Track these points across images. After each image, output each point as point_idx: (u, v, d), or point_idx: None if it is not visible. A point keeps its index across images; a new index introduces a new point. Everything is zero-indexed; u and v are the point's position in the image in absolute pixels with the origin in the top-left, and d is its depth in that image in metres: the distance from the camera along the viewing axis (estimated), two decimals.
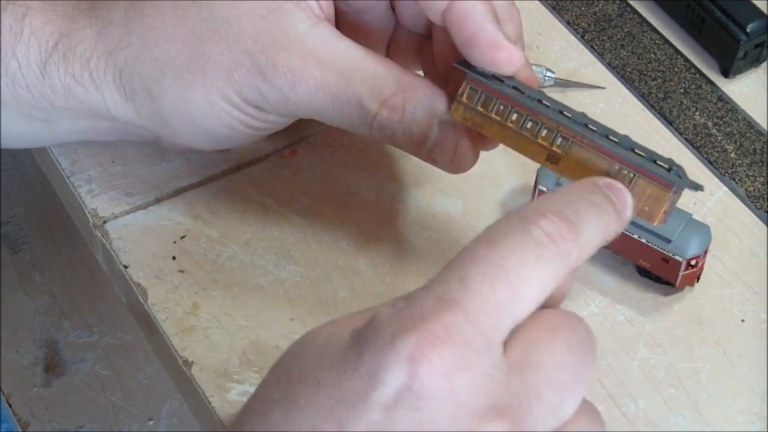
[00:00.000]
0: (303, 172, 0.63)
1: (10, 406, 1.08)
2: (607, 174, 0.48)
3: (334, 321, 0.41)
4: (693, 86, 0.68)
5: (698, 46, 0.70)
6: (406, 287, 0.58)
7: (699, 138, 0.65)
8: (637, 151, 0.48)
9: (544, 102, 0.50)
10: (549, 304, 0.41)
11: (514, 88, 0.51)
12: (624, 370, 0.56)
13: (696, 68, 0.69)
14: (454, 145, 0.53)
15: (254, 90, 0.53)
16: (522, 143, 0.50)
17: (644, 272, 0.58)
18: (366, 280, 0.58)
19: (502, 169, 0.62)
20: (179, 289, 0.58)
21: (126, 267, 0.59)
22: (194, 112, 0.54)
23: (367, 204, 0.61)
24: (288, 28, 0.52)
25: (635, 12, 0.71)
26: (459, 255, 0.40)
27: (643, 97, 0.67)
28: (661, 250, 0.56)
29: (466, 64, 0.52)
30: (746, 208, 0.62)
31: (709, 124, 0.66)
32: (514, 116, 0.50)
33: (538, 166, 0.51)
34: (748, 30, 0.66)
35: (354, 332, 0.39)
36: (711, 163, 0.64)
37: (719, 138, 0.65)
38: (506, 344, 0.39)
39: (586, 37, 0.70)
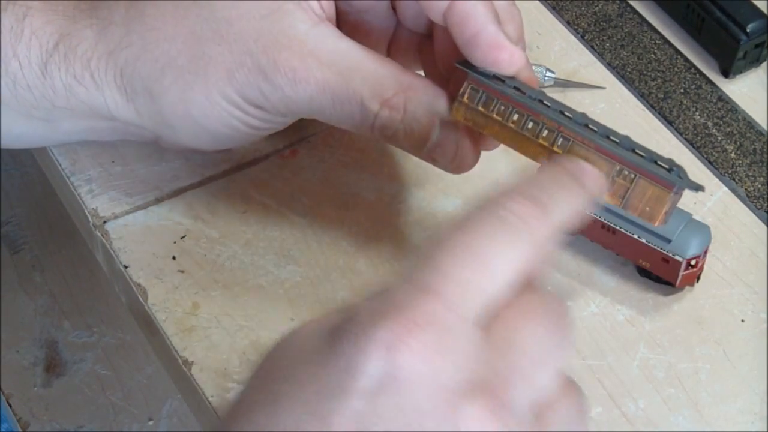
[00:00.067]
0: (303, 172, 0.63)
1: (10, 406, 1.08)
2: (608, 175, 0.48)
3: (312, 320, 0.42)
4: (693, 86, 0.68)
5: (698, 46, 0.70)
6: None
7: (699, 138, 0.65)
8: (637, 151, 0.48)
9: (545, 102, 0.50)
10: (528, 285, 0.42)
11: (515, 88, 0.51)
12: (624, 370, 0.56)
13: (696, 68, 0.69)
14: (455, 146, 0.53)
15: (255, 90, 0.53)
16: (523, 144, 0.50)
17: (644, 272, 0.58)
18: (366, 280, 0.58)
19: (503, 170, 0.62)
20: (179, 289, 0.58)
21: (126, 267, 0.59)
22: (195, 112, 0.54)
23: (368, 204, 0.61)
24: (289, 28, 0.52)
25: (635, 12, 0.71)
26: (432, 243, 0.40)
27: (643, 97, 0.67)
28: (661, 250, 0.56)
29: (467, 64, 0.52)
30: (746, 208, 0.62)
31: (709, 124, 0.66)
32: (515, 116, 0.50)
33: (538, 166, 0.51)
34: (748, 30, 0.66)
35: (332, 327, 0.39)
36: (711, 163, 0.64)
37: (719, 138, 0.65)
38: (486, 325, 0.40)
39: (586, 37, 0.70)
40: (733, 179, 0.63)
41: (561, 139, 0.49)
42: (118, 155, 0.63)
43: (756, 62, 0.68)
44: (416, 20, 0.56)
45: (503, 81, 0.51)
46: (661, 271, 0.57)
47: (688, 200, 0.61)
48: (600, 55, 0.69)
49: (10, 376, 1.10)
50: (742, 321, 0.58)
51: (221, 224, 0.60)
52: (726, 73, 0.68)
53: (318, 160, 0.63)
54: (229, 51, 0.52)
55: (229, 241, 0.60)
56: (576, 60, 0.69)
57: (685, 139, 0.65)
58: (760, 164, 0.64)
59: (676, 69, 0.68)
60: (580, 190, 0.44)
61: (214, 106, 0.54)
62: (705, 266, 0.58)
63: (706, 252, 0.57)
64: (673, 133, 0.65)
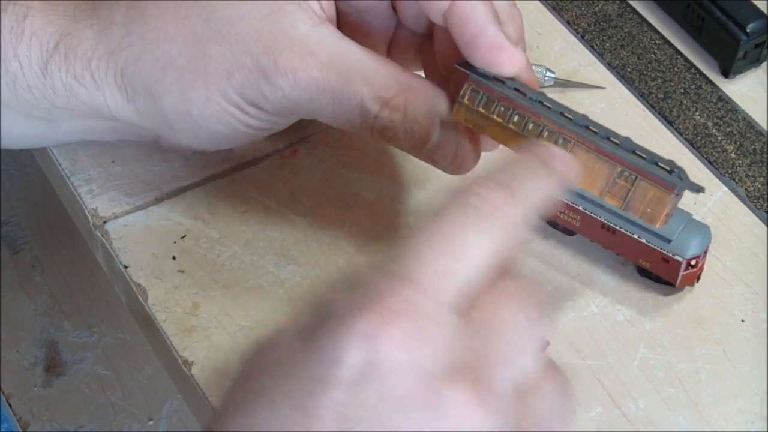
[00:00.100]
0: (303, 172, 0.63)
1: (10, 406, 1.08)
2: (609, 177, 0.48)
3: (286, 322, 0.42)
4: (693, 86, 0.68)
5: (698, 46, 0.70)
6: None
7: (699, 138, 0.65)
8: (638, 153, 0.48)
9: (546, 104, 0.50)
10: (503, 271, 0.42)
11: (516, 89, 0.51)
12: (624, 370, 0.56)
13: (696, 68, 0.69)
14: (455, 147, 0.53)
15: (256, 90, 0.53)
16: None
17: (644, 272, 0.58)
18: None
19: None
20: (179, 289, 0.58)
21: (126, 267, 0.59)
22: (195, 112, 0.54)
23: (368, 204, 0.61)
24: (289, 29, 0.52)
25: (635, 12, 0.71)
26: (406, 233, 0.41)
27: (643, 97, 0.67)
28: (661, 250, 0.56)
29: (467, 65, 0.52)
30: (746, 208, 0.62)
31: (709, 124, 0.66)
32: (516, 118, 0.50)
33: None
34: (748, 30, 0.66)
35: (309, 323, 0.39)
36: (711, 163, 0.64)
37: (719, 138, 0.65)
38: (464, 311, 0.40)
39: (586, 37, 0.70)
40: (733, 179, 0.63)
41: (561, 141, 0.49)
42: (118, 155, 0.63)
43: (756, 62, 0.68)
44: (416, 20, 0.56)
45: (504, 82, 0.51)
46: (661, 271, 0.57)
47: (688, 200, 0.61)
48: (600, 55, 0.69)
49: (10, 376, 1.10)
50: (742, 321, 0.58)
51: (221, 224, 0.60)
52: (726, 73, 0.68)
53: (318, 160, 0.63)
54: (230, 51, 0.52)
55: (229, 241, 0.60)
56: (576, 60, 0.69)
57: (685, 139, 0.65)
58: (760, 164, 0.64)
59: (676, 69, 0.68)
60: (551, 175, 0.44)
61: (215, 106, 0.54)
62: (705, 266, 0.58)
63: (706, 252, 0.57)
64: (673, 133, 0.65)
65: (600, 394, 0.55)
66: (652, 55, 0.69)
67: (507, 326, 0.40)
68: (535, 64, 0.65)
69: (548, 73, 0.66)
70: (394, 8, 0.57)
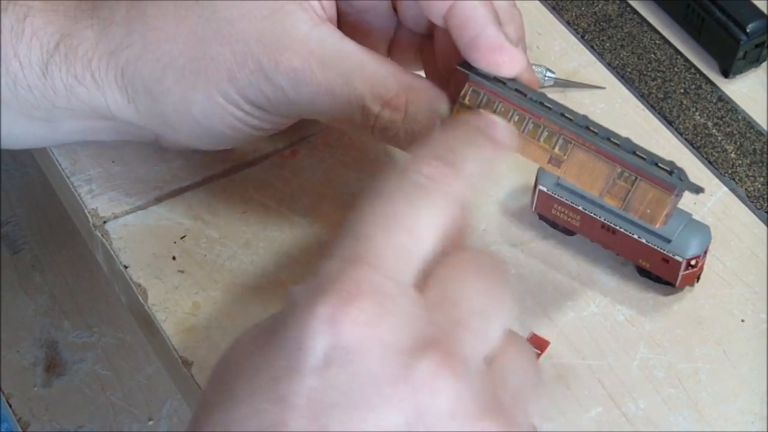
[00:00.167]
0: (303, 172, 0.63)
1: (10, 406, 1.08)
2: (609, 177, 0.48)
3: (252, 324, 0.42)
4: (693, 86, 0.68)
5: (698, 46, 0.70)
6: None
7: (699, 138, 0.65)
8: (638, 153, 0.48)
9: (546, 104, 0.50)
10: (455, 244, 0.42)
11: (516, 90, 0.51)
12: (624, 370, 0.56)
13: (696, 68, 0.69)
14: None
15: (256, 90, 0.53)
16: (524, 145, 0.50)
17: (644, 272, 0.58)
18: None
19: (503, 169, 0.62)
20: (179, 289, 0.58)
21: (126, 267, 0.59)
22: (196, 112, 0.54)
23: None
24: (290, 29, 0.52)
25: (635, 12, 0.71)
26: (350, 216, 0.41)
27: (643, 97, 0.67)
28: (661, 250, 0.56)
29: (468, 65, 0.52)
30: (746, 208, 0.62)
31: (709, 124, 0.66)
32: (516, 119, 0.50)
33: (538, 166, 0.52)
34: (748, 30, 0.66)
35: (273, 318, 0.40)
36: (711, 163, 0.64)
37: (719, 138, 0.65)
38: (422, 287, 0.40)
39: (586, 37, 0.70)
40: (733, 179, 0.63)
41: (562, 142, 0.49)
42: (118, 155, 0.63)
43: (756, 62, 0.68)
44: (417, 21, 0.56)
45: (504, 83, 0.51)
46: (661, 271, 0.57)
47: (688, 200, 0.61)
48: (600, 55, 0.69)
49: (10, 376, 1.10)
50: (742, 321, 0.58)
51: (221, 224, 0.60)
52: (726, 73, 0.68)
53: (318, 160, 0.63)
54: (231, 51, 0.52)
55: (229, 241, 0.60)
56: (576, 60, 0.69)
57: (685, 139, 0.65)
58: (760, 164, 0.64)
59: (676, 69, 0.68)
60: (489, 143, 0.45)
61: (215, 106, 0.54)
62: (705, 266, 0.58)
63: (706, 252, 0.57)
64: (673, 133, 0.65)
65: (600, 394, 0.55)
66: (652, 55, 0.69)
67: (468, 298, 0.41)
68: (535, 64, 0.65)
69: (548, 73, 0.66)
70: (394, 8, 0.57)
